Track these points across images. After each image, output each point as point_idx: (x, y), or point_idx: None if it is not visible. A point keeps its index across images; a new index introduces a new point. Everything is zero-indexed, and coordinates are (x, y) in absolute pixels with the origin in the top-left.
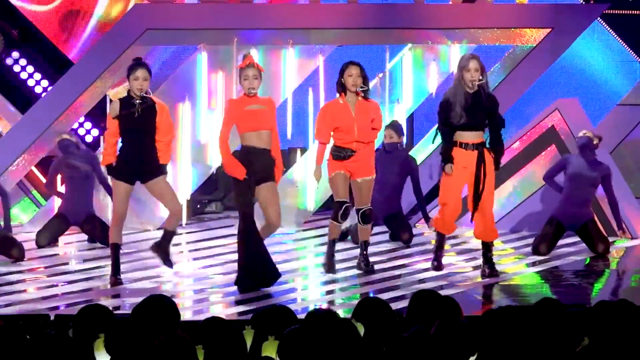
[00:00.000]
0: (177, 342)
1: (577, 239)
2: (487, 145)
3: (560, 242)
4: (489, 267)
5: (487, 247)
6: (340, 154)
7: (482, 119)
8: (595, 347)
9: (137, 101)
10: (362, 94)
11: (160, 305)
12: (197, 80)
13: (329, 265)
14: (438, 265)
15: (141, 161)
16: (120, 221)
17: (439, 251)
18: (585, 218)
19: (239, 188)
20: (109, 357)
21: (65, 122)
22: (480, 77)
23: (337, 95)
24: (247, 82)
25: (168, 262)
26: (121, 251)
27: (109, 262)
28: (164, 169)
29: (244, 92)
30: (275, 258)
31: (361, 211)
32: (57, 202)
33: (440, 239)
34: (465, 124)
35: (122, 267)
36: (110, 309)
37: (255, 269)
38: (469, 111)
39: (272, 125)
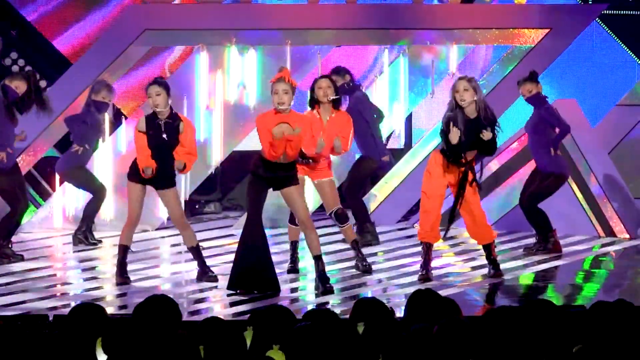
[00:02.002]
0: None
1: (577, 238)
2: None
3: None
4: (492, 267)
5: (486, 249)
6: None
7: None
8: (593, 348)
9: (162, 122)
10: (333, 105)
11: (162, 305)
12: (195, 81)
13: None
14: (426, 275)
15: (159, 170)
16: (133, 224)
17: (426, 261)
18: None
19: (250, 192)
20: (106, 357)
21: (64, 123)
22: (473, 98)
23: (310, 109)
24: (277, 97)
25: (213, 278)
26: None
27: (108, 261)
28: (174, 182)
29: (273, 107)
30: (274, 258)
31: (333, 213)
32: (55, 202)
33: (426, 249)
34: (463, 143)
35: None
36: (112, 309)
37: (246, 274)
38: (466, 132)
39: (299, 145)
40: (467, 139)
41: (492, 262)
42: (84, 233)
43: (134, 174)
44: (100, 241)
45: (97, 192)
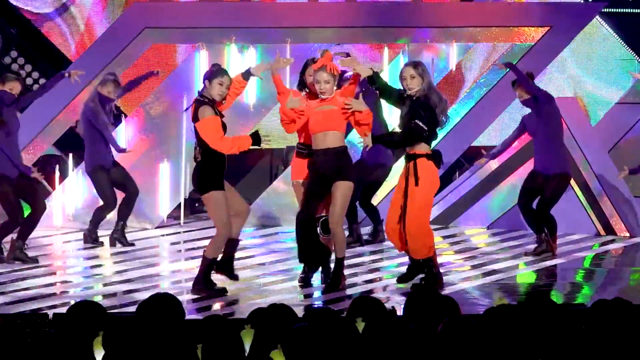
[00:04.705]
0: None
1: (577, 236)
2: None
3: (559, 240)
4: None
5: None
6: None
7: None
8: (593, 346)
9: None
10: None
11: (165, 303)
12: (195, 79)
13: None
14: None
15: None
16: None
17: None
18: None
19: (306, 188)
20: (105, 354)
21: (64, 121)
22: (421, 85)
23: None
24: (318, 87)
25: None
26: (114, 249)
27: (109, 260)
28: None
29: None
30: (273, 257)
31: (322, 219)
32: (55, 200)
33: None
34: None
35: (119, 266)
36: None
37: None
38: (402, 119)
39: (337, 125)
40: (403, 122)
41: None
42: (118, 233)
43: (215, 182)
44: (133, 244)
45: (106, 201)
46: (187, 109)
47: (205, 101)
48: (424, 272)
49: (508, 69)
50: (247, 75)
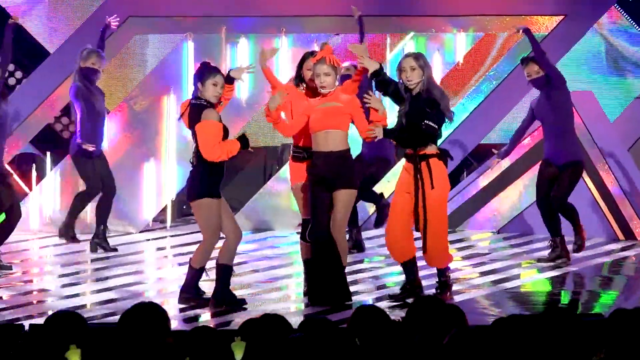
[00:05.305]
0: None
1: (594, 241)
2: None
3: (573, 247)
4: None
5: (438, 272)
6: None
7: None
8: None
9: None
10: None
11: (149, 313)
12: (182, 72)
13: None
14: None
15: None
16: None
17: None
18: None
19: (310, 202)
20: None
21: (42, 116)
22: (421, 78)
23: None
24: (318, 81)
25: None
26: (95, 255)
27: (88, 266)
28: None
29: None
30: (267, 263)
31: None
32: (32, 202)
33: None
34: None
35: (100, 273)
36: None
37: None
38: (407, 116)
39: (340, 124)
40: (408, 119)
41: (440, 285)
42: (100, 237)
43: (209, 188)
44: (115, 249)
45: (90, 186)
46: (180, 117)
47: (206, 105)
48: (439, 281)
49: (524, 35)
50: (229, 80)
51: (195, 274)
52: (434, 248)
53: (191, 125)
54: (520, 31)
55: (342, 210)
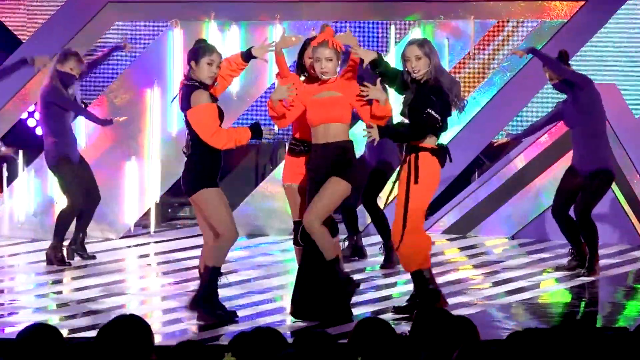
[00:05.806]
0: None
1: (618, 248)
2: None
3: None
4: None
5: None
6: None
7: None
8: None
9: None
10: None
11: (130, 327)
12: (167, 62)
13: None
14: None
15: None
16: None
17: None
18: None
19: (307, 191)
20: None
21: (13, 111)
22: (428, 67)
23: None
24: (318, 66)
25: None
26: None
27: (64, 275)
28: None
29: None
30: (261, 272)
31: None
32: (1, 206)
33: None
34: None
35: (77, 282)
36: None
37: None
38: (411, 105)
39: (340, 116)
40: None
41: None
42: (77, 244)
43: (208, 178)
44: (94, 257)
45: (72, 200)
46: (174, 98)
47: (197, 85)
48: (417, 289)
49: (531, 55)
50: (247, 56)
51: (212, 275)
52: (403, 246)
53: (183, 108)
54: (525, 55)
55: (324, 197)
